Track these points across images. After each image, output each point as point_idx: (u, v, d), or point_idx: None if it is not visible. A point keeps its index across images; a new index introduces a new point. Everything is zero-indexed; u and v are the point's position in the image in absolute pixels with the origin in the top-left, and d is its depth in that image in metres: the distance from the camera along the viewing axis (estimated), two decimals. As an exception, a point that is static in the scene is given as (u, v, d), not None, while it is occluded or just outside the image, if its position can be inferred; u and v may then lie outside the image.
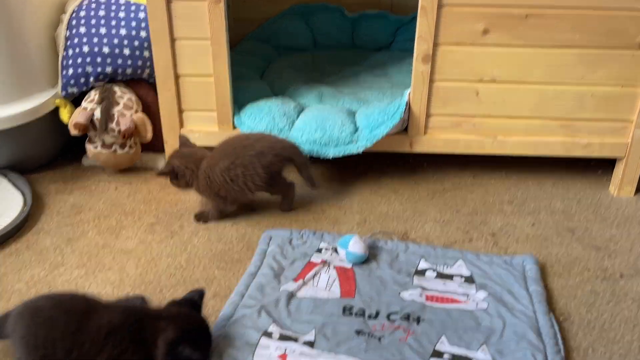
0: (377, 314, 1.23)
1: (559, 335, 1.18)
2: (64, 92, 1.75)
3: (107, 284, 1.34)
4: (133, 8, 1.74)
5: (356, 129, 1.64)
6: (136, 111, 1.73)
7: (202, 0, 1.52)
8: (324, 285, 1.31)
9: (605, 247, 1.48)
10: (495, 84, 1.58)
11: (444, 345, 1.15)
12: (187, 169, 1.49)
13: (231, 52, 1.63)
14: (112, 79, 1.76)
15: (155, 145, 1.79)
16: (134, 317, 1.05)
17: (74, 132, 1.68)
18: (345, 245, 1.38)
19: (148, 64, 1.74)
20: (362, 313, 1.23)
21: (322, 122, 1.62)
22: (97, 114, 1.68)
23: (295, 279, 1.32)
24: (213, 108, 1.65)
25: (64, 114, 1.74)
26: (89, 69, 1.72)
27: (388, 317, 1.22)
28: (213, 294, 1.31)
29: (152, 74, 1.76)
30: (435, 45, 1.54)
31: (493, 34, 1.52)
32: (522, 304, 1.25)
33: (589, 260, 1.43)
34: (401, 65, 2.07)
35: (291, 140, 1.60)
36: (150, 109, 1.78)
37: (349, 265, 1.37)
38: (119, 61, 1.72)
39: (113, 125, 1.69)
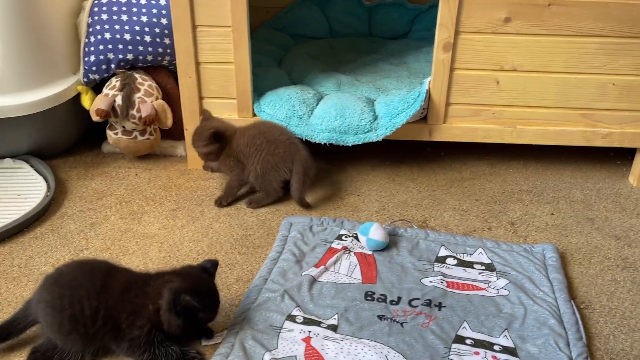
0: (399, 299, 1.24)
1: (580, 323, 1.18)
2: (85, 79, 1.76)
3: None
4: (154, -5, 1.75)
5: (375, 117, 1.64)
6: (156, 98, 1.75)
7: (224, -13, 1.53)
8: (346, 271, 1.32)
9: (625, 237, 1.48)
10: (516, 73, 1.58)
11: (466, 331, 1.16)
12: (226, 130, 1.56)
13: (250, 40, 1.63)
14: (133, 66, 1.77)
15: (174, 132, 1.80)
16: (147, 274, 1.14)
17: (95, 118, 1.70)
18: (366, 232, 1.39)
19: (168, 50, 1.75)
20: (383, 299, 1.24)
21: (342, 110, 1.63)
22: (119, 100, 1.69)
23: (317, 265, 1.33)
24: (233, 96, 1.66)
25: (86, 101, 1.75)
26: (111, 55, 1.73)
27: (409, 303, 1.23)
28: (236, 278, 1.32)
29: (172, 61, 1.77)
30: (457, 33, 1.53)
31: (515, 23, 1.52)
32: (543, 291, 1.26)
33: (609, 250, 1.43)
34: (418, 54, 2.07)
35: (311, 127, 1.62)
36: (170, 96, 1.79)
37: (369, 252, 1.38)
38: (140, 48, 1.73)
39: (134, 111, 1.70)
